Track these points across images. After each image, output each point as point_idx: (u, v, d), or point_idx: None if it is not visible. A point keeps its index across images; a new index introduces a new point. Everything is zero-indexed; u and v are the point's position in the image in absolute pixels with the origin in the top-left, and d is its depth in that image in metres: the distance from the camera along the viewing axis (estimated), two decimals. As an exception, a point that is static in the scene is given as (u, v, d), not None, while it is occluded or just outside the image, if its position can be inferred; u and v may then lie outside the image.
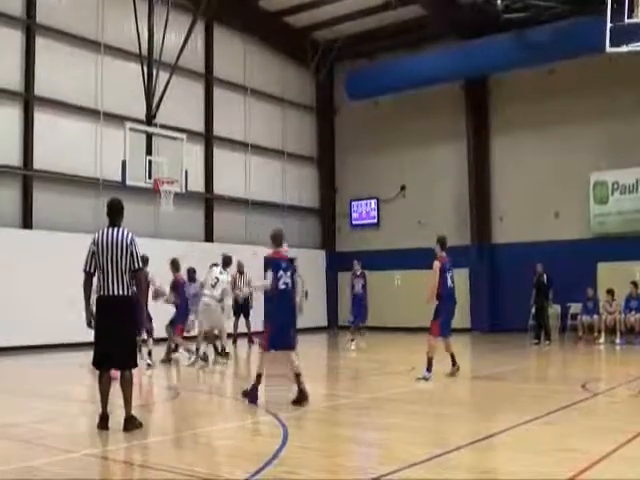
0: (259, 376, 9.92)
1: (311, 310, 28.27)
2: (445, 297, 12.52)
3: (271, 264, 9.88)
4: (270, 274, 9.76)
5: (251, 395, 9.85)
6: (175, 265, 15.82)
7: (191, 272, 16.64)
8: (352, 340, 19.04)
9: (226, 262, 16.16)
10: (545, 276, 20.41)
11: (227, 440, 7.89)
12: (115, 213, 8.45)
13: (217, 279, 15.58)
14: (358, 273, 19.79)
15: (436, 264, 12.57)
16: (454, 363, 12.72)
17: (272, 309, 10.04)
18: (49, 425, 8.73)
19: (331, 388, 12.70)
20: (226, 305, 16.50)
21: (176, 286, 15.54)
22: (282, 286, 9.78)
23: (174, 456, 7.03)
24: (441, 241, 12.98)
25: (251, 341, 20.64)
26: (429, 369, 12.21)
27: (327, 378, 14.54)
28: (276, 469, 6.28)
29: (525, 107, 25.19)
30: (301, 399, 9.67)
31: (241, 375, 15.01)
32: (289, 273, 9.92)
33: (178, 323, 15.63)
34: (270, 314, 10.10)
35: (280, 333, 9.82)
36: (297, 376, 9.79)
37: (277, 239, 10.12)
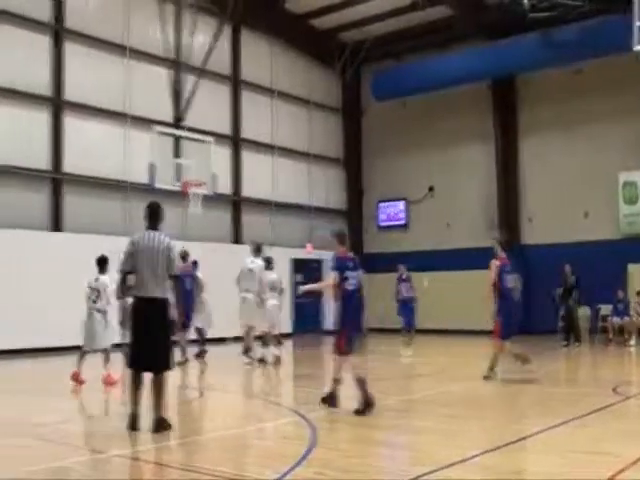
0: (336, 381, 9.49)
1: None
2: (505, 296, 12.36)
3: (336, 264, 9.48)
4: (335, 274, 9.38)
5: (331, 402, 9.43)
6: (182, 256, 15.33)
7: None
8: (408, 345, 18.58)
9: (256, 249, 15.40)
10: (573, 277, 20.28)
11: (256, 440, 7.89)
12: (155, 217, 8.43)
13: (250, 270, 14.95)
14: (404, 277, 19.31)
15: (493, 262, 12.45)
16: (492, 367, 12.44)
17: (344, 312, 9.41)
18: (78, 425, 8.80)
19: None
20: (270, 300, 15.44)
21: None
22: (350, 287, 9.36)
23: (202, 457, 7.04)
24: (501, 242, 12.82)
25: (279, 342, 20.59)
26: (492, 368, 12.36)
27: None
28: (305, 470, 6.26)
29: (552, 107, 25.03)
30: (367, 407, 9.07)
31: (268, 375, 14.99)
32: (356, 273, 9.48)
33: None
34: (343, 317, 9.41)
35: (356, 336, 9.54)
36: (360, 382, 9.19)
37: (342, 237, 9.72)
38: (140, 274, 8.08)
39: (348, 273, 9.38)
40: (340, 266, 9.42)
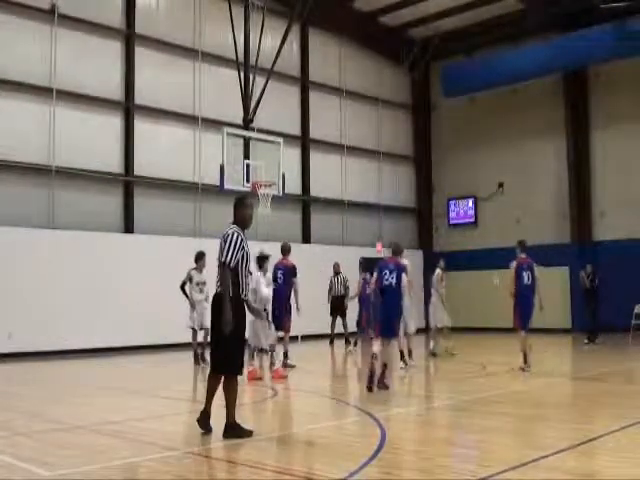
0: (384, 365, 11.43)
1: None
2: (519, 293, 13.88)
3: (377, 266, 11.89)
4: (374, 275, 11.83)
5: (380, 383, 11.22)
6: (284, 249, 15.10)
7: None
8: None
9: (396, 250, 15.03)
10: (593, 277, 20.15)
11: (325, 439, 7.91)
12: (234, 210, 8.15)
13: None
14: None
15: (512, 263, 14.16)
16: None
17: (378, 304, 11.69)
18: (151, 423, 8.94)
19: (428, 389, 12.62)
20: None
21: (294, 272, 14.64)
22: (385, 282, 11.52)
23: (273, 455, 7.10)
24: (521, 244, 14.46)
25: (347, 342, 20.66)
26: (525, 361, 13.60)
27: (425, 380, 14.44)
28: (374, 469, 6.28)
29: (627, 99, 24.51)
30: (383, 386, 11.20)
31: (337, 375, 15.05)
32: (394, 274, 11.52)
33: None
34: (377, 308, 11.76)
35: (386, 324, 11.47)
36: (385, 364, 11.38)
37: (396, 250, 12.18)
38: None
39: (385, 272, 11.63)
40: (377, 267, 11.86)
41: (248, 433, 7.70)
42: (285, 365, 14.61)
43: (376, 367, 11.13)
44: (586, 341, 19.82)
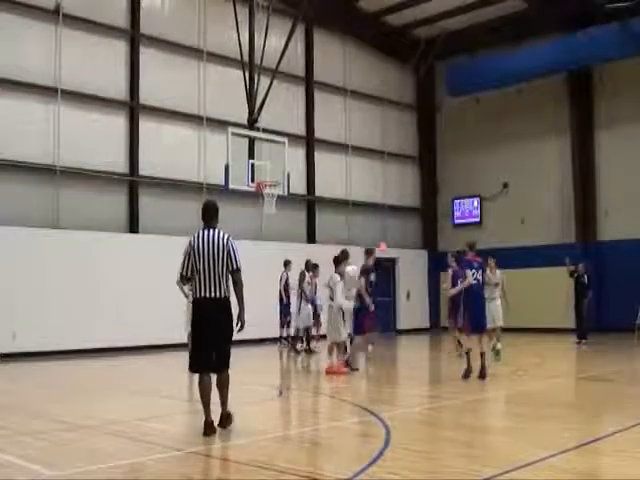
0: (467, 353, 12.52)
1: (413, 311, 28.19)
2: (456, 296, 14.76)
3: (466, 265, 12.68)
4: (469, 272, 12.50)
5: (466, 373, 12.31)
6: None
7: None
8: None
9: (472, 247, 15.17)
10: (585, 276, 19.89)
11: (329, 439, 7.90)
12: (210, 215, 8.33)
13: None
14: None
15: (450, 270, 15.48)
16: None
17: (467, 300, 12.62)
18: (154, 423, 8.92)
19: (434, 389, 12.60)
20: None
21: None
22: (474, 281, 12.48)
23: (278, 454, 7.07)
24: (454, 255, 15.63)
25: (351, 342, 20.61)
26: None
27: (430, 380, 14.42)
28: (379, 469, 6.26)
29: (632, 100, 24.44)
30: (482, 375, 12.16)
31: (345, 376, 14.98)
32: (480, 271, 12.62)
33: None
34: (467, 304, 12.64)
35: (475, 319, 12.44)
36: (482, 355, 12.22)
37: (472, 246, 13.07)
38: (199, 274, 7.94)
39: (473, 271, 12.49)
40: (467, 266, 12.59)
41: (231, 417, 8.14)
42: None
43: (471, 361, 12.34)
44: (584, 341, 19.72)
